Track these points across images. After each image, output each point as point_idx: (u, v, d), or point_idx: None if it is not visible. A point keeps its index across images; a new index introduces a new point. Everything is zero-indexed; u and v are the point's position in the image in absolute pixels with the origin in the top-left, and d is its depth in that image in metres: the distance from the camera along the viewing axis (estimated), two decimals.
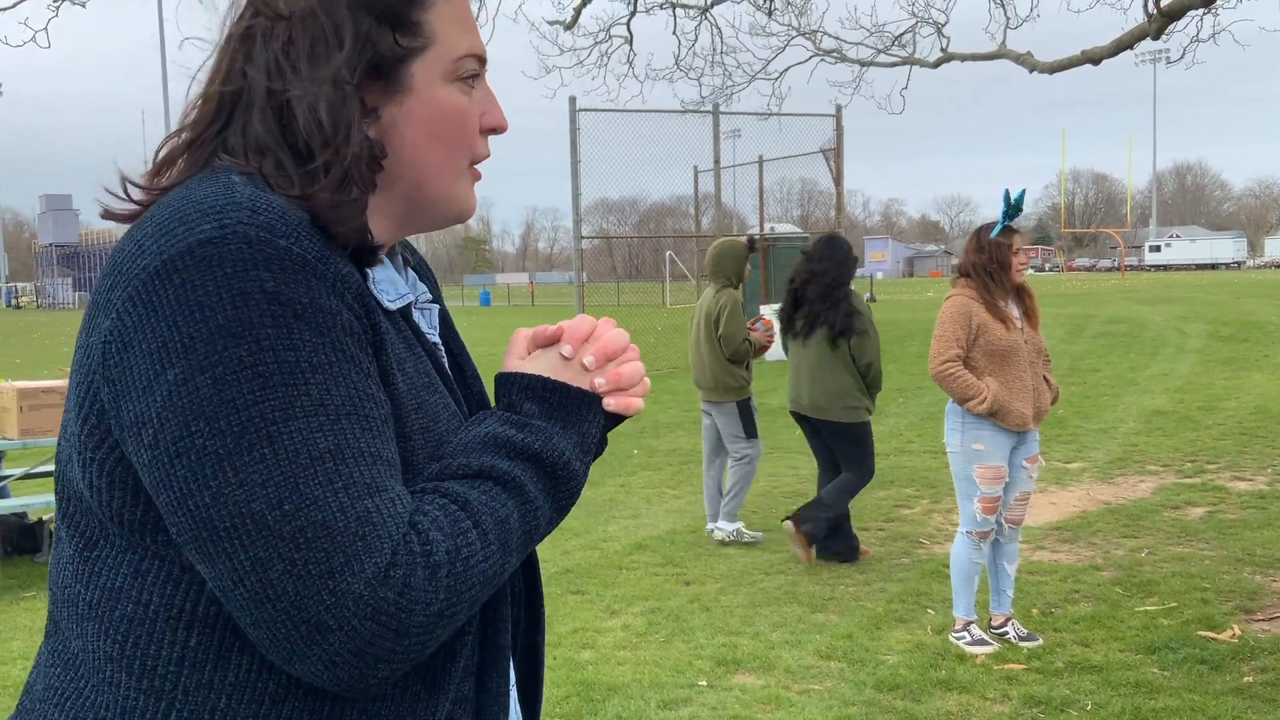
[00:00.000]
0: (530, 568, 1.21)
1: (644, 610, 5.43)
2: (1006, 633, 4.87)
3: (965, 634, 4.82)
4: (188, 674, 0.96)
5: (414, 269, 1.20)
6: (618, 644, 4.96)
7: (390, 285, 1.06)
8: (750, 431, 6.76)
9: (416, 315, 1.14)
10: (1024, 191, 4.75)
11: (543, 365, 1.09)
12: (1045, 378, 4.91)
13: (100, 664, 0.98)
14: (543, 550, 6.52)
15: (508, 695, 1.11)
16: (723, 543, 6.70)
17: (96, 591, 0.99)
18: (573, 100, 15.57)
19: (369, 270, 1.03)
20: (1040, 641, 4.82)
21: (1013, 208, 4.73)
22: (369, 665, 0.89)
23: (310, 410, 0.89)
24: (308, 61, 1.00)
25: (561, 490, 1.05)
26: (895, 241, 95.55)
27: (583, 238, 16.97)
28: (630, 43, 11.06)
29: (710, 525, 6.89)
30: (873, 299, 37.08)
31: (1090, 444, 9.71)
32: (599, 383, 1.08)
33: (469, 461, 1.01)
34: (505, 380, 1.09)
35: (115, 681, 0.97)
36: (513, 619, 1.19)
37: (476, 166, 1.14)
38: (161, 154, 1.06)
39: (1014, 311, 4.84)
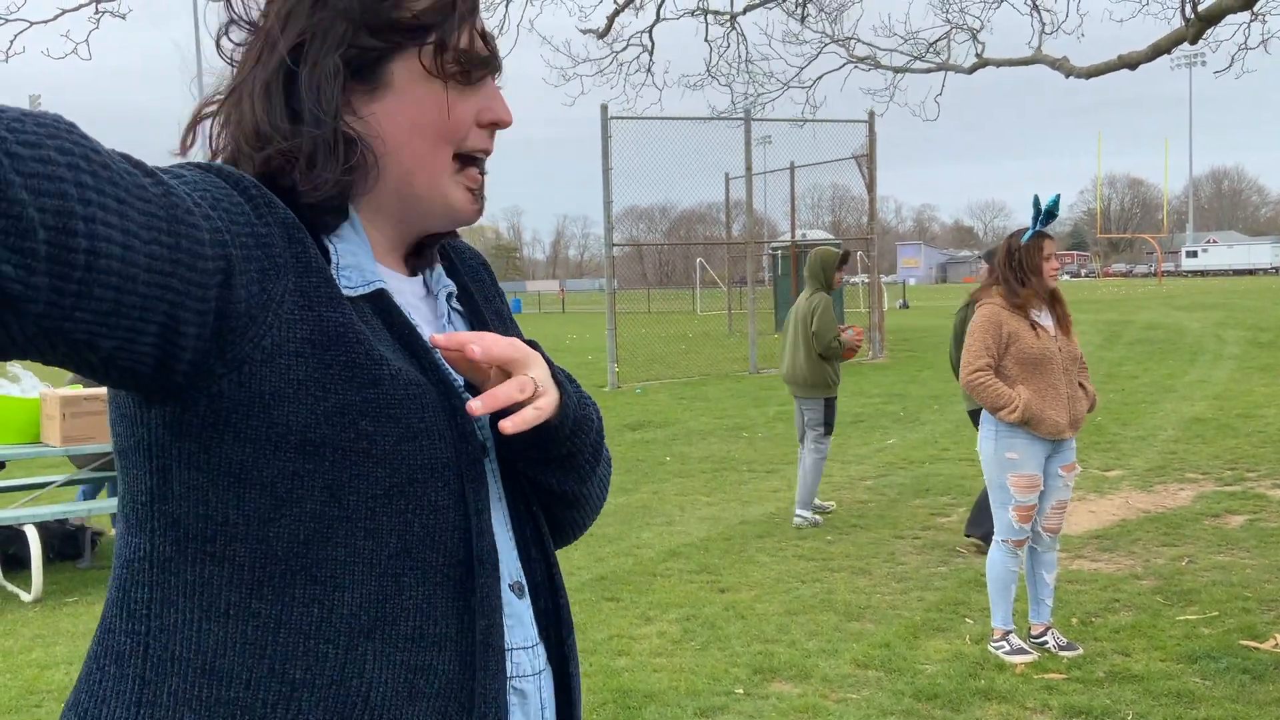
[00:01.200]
0: (548, 563, 1.22)
1: (679, 617, 5.43)
2: (1046, 642, 4.83)
3: (1004, 643, 4.79)
4: (155, 618, 1.01)
5: (451, 260, 1.27)
6: (653, 651, 4.96)
7: (356, 272, 1.10)
8: (829, 428, 7.46)
9: (403, 303, 1.15)
10: (1058, 196, 4.71)
11: None
12: (1082, 384, 4.87)
13: (110, 611, 1.06)
14: (576, 557, 6.54)
15: (502, 680, 1.09)
16: (799, 527, 7.30)
17: (119, 542, 1.08)
18: (604, 108, 15.62)
19: (333, 253, 1.09)
20: (1080, 651, 4.78)
21: (1046, 213, 4.69)
22: None
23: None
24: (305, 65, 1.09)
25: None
26: (928, 247, 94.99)
27: (614, 245, 17.00)
28: (650, 52, 11.09)
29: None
30: (905, 305, 36.90)
31: (1129, 451, 9.61)
32: (475, 405, 1.07)
33: None
34: None
35: (114, 628, 1.05)
36: (538, 611, 1.20)
37: (477, 167, 1.16)
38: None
39: (1047, 318, 4.81)
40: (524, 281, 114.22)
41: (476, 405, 1.05)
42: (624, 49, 10.95)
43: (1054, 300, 4.84)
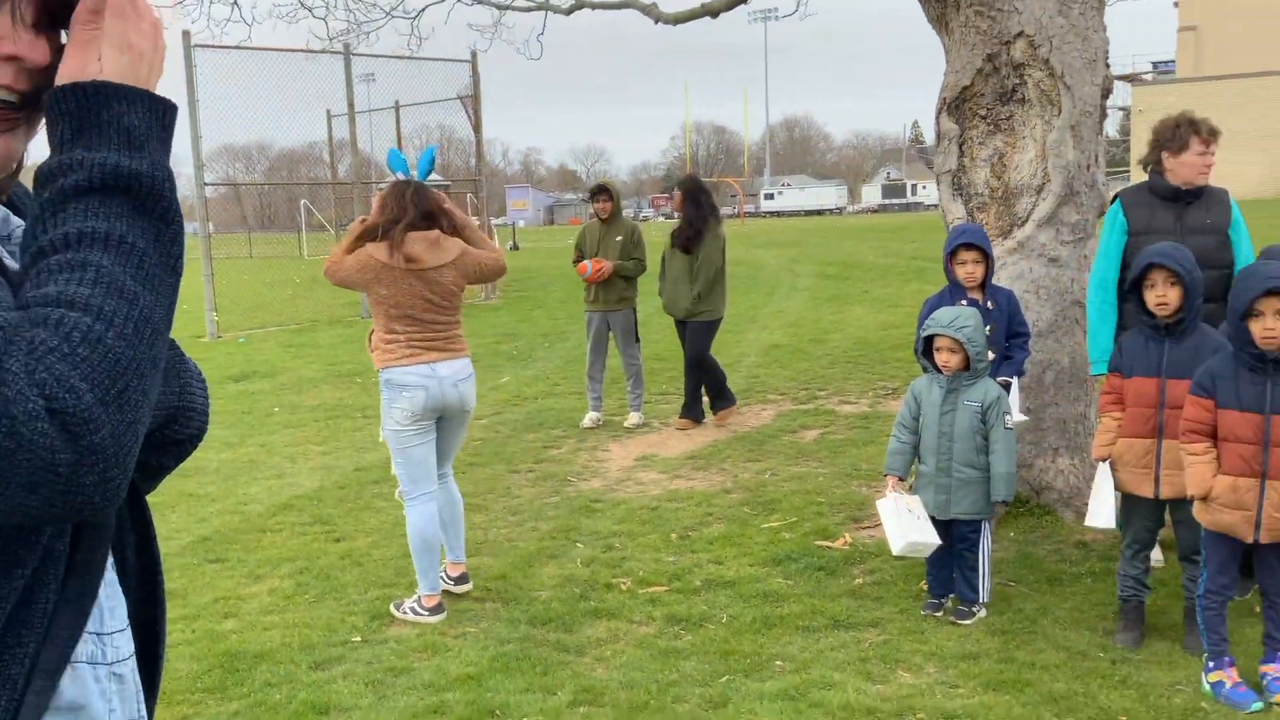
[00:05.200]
0: (146, 541, 1.17)
1: (291, 572, 5.23)
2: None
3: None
4: None
5: (13, 205, 1.15)
6: (263, 609, 4.75)
7: None
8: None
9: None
10: (391, 151, 4.87)
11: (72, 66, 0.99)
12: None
13: None
14: (175, 519, 6.11)
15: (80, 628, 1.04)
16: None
17: None
18: (187, 35, 14.39)
19: None
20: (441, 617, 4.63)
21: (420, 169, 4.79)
22: (78, 492, 0.89)
23: None
24: None
25: (146, 199, 0.97)
26: (536, 190, 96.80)
27: (206, 185, 15.84)
28: None
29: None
30: (515, 247, 37.45)
31: None
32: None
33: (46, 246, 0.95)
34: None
35: None
36: (125, 590, 1.14)
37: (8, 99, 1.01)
38: None
39: None
40: None
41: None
42: None
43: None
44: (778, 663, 4.01)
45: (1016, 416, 4.80)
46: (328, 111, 22.17)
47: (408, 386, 4.54)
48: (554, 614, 4.55)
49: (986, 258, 4.91)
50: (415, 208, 4.55)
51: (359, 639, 4.38)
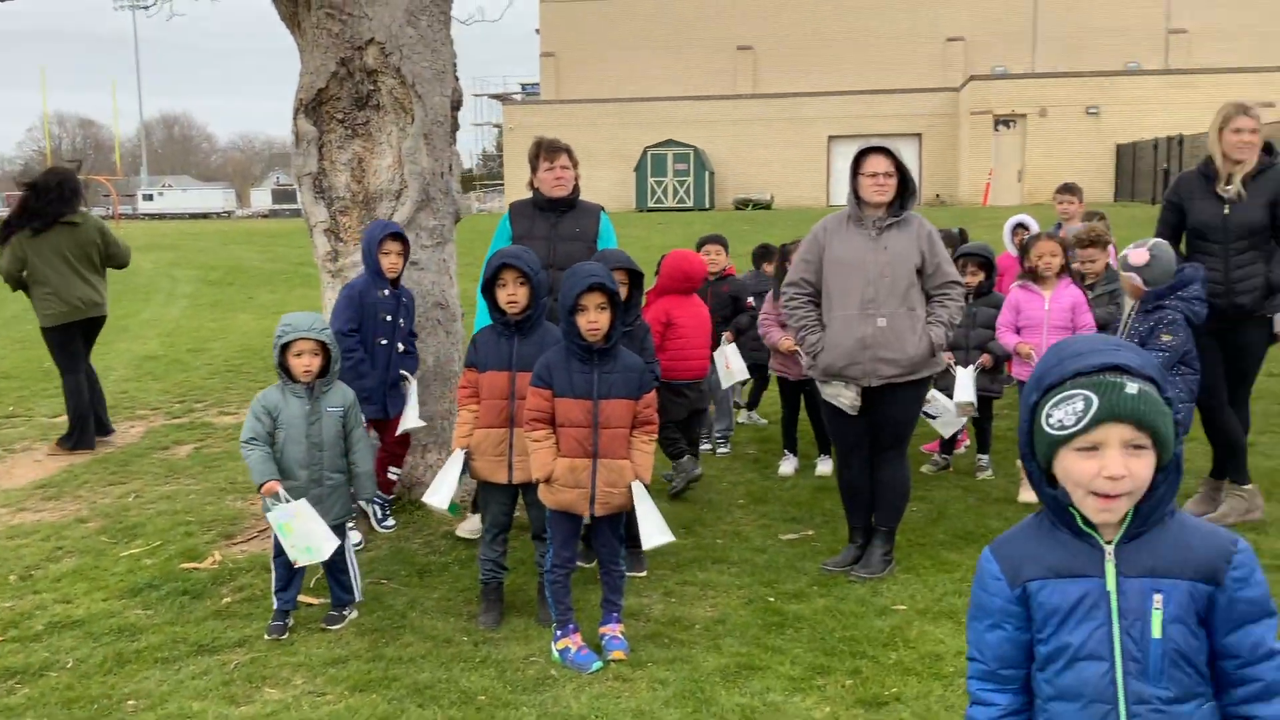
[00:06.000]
0: None
1: None
2: None
3: None
4: None
5: None
6: None
7: None
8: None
9: None
10: None
11: None
12: None
13: None
14: None
15: None
16: None
17: None
18: None
19: None
20: None
21: None
22: None
23: None
24: None
25: None
26: None
27: None
28: None
29: None
30: None
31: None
32: None
33: None
34: None
35: None
36: None
37: None
38: None
39: None
40: None
41: None
42: None
43: None
44: (130, 703, 3.65)
45: (415, 423, 5.21)
46: None
47: None
48: None
49: (408, 251, 5.25)
50: None
51: None
